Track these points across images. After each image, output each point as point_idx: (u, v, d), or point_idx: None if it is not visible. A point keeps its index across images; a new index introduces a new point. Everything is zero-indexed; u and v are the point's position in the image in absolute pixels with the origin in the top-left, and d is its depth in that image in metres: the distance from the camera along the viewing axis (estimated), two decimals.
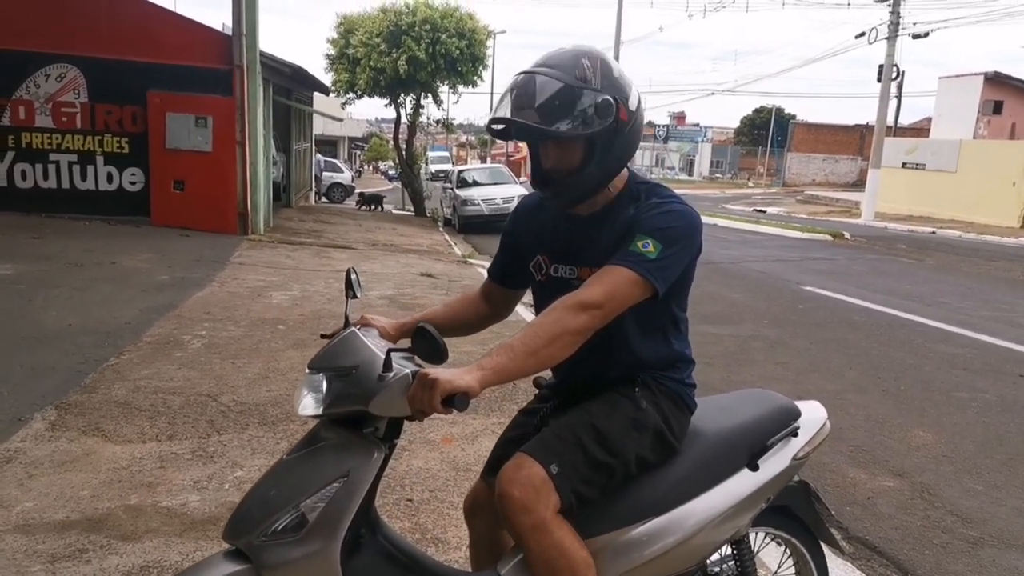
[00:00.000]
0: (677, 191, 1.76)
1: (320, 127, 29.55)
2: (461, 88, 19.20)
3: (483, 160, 49.23)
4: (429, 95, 19.42)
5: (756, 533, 2.01)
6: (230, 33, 11.16)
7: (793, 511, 1.97)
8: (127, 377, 4.47)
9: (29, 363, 4.61)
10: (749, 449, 1.77)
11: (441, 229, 17.91)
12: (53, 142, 10.85)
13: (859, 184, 36.20)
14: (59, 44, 10.59)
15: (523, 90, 1.57)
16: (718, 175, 59.71)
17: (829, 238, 16.38)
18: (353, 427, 1.56)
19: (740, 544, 1.90)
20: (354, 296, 1.84)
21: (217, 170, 11.01)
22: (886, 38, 21.97)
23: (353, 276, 1.84)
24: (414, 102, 19.66)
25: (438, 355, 1.46)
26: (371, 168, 63.54)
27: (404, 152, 21.28)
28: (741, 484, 1.74)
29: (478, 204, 17.09)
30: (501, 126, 1.64)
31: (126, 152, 11.05)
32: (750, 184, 49.77)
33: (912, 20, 22.37)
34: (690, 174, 60.35)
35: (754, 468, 1.76)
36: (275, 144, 15.15)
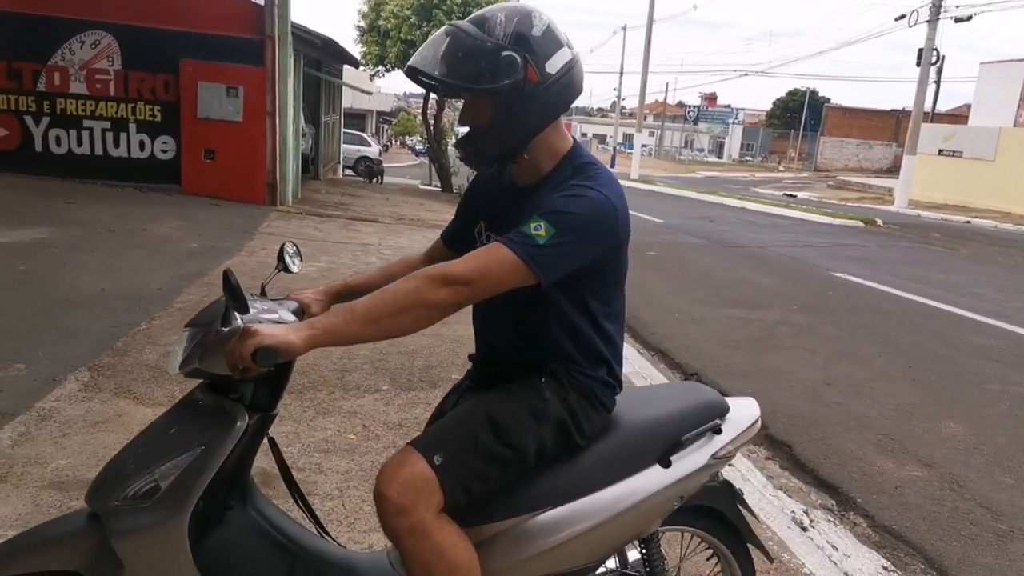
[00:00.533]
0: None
1: (348, 100, 29.56)
2: None
3: None
4: None
5: (682, 533, 1.94)
6: (262, 3, 11.16)
7: (719, 512, 1.87)
8: (158, 342, 4.53)
9: (63, 325, 4.69)
10: (662, 444, 1.67)
11: None
12: (87, 109, 10.96)
13: (893, 171, 35.52)
14: (94, 11, 10.66)
15: (435, 41, 1.52)
16: (748, 158, 58.93)
17: (861, 225, 16.12)
18: (225, 393, 1.49)
19: (649, 543, 1.82)
20: (286, 270, 1.76)
21: (247, 140, 11.07)
22: (927, 21, 21.39)
23: (289, 250, 1.77)
24: None
25: (238, 305, 1.40)
26: (399, 143, 63.53)
27: (432, 127, 21.21)
28: (650, 480, 1.64)
29: None
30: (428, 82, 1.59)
31: (158, 120, 11.14)
32: (781, 168, 49.05)
33: (955, 3, 21.75)
34: (719, 156, 59.69)
35: (666, 464, 1.65)
36: (304, 116, 15.17)
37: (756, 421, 1.84)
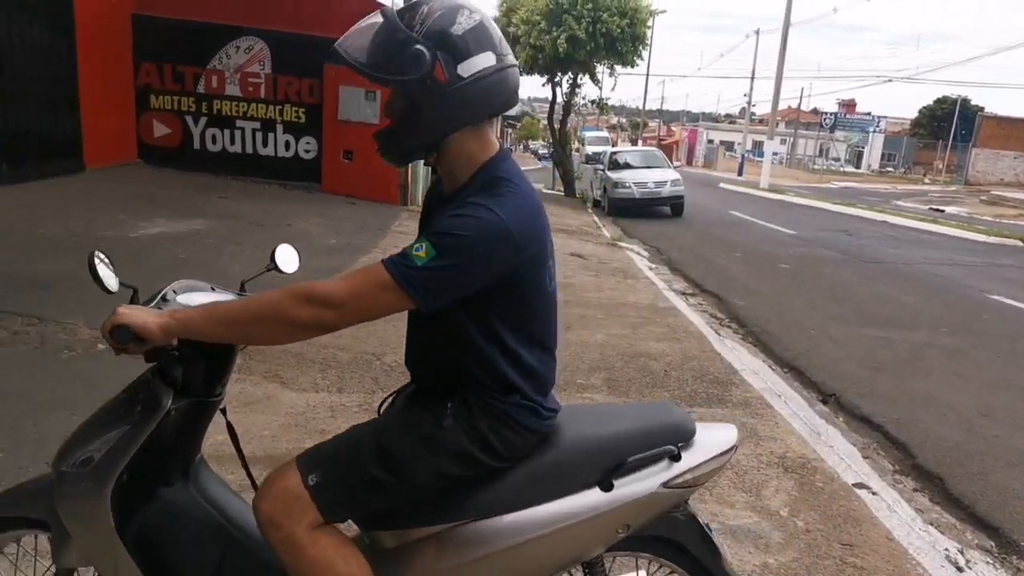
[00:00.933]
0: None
1: None
2: (619, 68, 18.95)
3: (634, 143, 48.54)
4: (586, 75, 19.29)
5: (648, 562, 1.76)
6: None
7: (685, 547, 1.68)
8: None
9: None
10: (603, 465, 1.54)
11: (590, 210, 17.85)
12: (239, 110, 11.75)
13: None
14: (249, 18, 11.41)
15: (365, 22, 1.47)
16: (889, 169, 55.45)
17: (1020, 244, 14.76)
18: (163, 377, 1.57)
19: (592, 568, 1.68)
20: (277, 270, 1.83)
21: None
22: None
23: (282, 253, 1.84)
24: (571, 81, 19.62)
25: (102, 287, 1.49)
26: (521, 147, 64.28)
27: (557, 132, 21.34)
28: (587, 502, 1.52)
29: (629, 187, 16.78)
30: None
31: (302, 122, 11.78)
32: (926, 180, 45.83)
33: None
34: (857, 166, 56.55)
35: (607, 487, 1.52)
36: None
37: (729, 450, 1.64)
